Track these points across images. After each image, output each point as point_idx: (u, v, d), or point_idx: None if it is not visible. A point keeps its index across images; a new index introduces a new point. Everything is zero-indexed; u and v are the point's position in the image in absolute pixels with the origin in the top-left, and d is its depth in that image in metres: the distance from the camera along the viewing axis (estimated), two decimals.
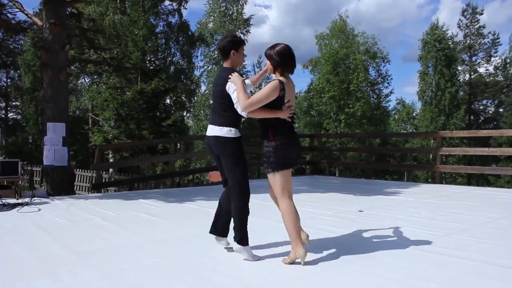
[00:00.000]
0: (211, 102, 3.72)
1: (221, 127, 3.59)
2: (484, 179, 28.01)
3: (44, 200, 7.18)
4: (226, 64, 3.74)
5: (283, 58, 3.47)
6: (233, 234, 3.60)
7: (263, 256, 3.62)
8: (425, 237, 4.32)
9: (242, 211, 3.58)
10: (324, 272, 3.20)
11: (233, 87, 3.49)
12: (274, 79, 3.48)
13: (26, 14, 10.36)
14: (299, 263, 3.36)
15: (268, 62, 3.55)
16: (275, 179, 3.48)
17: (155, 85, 19.96)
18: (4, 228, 4.83)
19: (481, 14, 33.08)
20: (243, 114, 3.47)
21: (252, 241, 3.58)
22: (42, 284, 2.91)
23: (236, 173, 3.59)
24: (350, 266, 3.35)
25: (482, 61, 33.79)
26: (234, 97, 3.49)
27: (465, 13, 33.02)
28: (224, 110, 3.60)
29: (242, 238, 3.56)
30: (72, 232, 4.70)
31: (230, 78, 3.51)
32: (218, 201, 3.89)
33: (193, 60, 26.23)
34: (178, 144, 21.31)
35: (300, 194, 7.88)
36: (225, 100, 3.58)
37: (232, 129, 3.57)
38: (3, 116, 33.49)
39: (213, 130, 3.63)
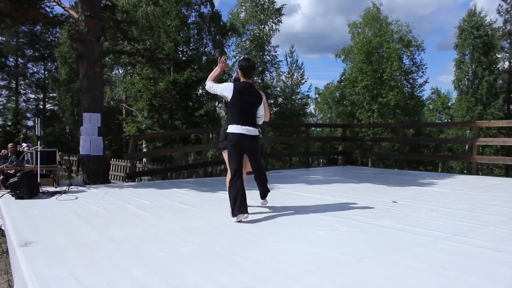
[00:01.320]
0: (242, 108, 4.77)
1: (256, 129, 4.85)
2: None
3: (80, 188, 7.36)
4: (248, 80, 4.88)
5: None
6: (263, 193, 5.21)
7: (297, 245, 3.63)
8: (462, 229, 4.23)
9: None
10: (358, 263, 3.18)
11: (263, 108, 4.93)
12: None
13: (63, 7, 10.59)
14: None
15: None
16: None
17: (188, 76, 20.14)
18: (44, 215, 4.98)
19: None
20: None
21: (282, 229, 3.58)
22: (80, 268, 3.00)
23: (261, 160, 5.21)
24: (384, 257, 3.31)
25: None
26: (262, 112, 4.92)
27: None
28: (255, 118, 4.88)
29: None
30: (108, 219, 4.82)
31: (264, 100, 4.94)
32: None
33: (225, 50, 26.28)
34: (211, 134, 21.47)
35: (333, 184, 7.85)
36: (256, 111, 4.89)
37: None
38: (41, 107, 34.44)
39: (253, 131, 4.77)
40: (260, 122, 4.93)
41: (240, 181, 4.64)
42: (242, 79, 4.87)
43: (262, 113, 4.91)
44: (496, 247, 3.55)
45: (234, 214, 4.52)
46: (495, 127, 25.51)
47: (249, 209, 4.61)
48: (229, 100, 4.77)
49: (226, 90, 4.78)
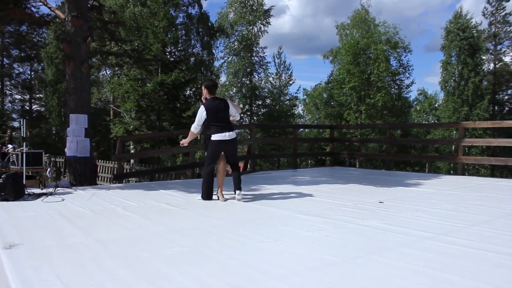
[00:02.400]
0: (217, 119, 6.02)
1: (234, 132, 6.03)
2: (509, 170, 27.42)
3: (67, 190, 7.30)
4: (213, 95, 6.06)
5: None
6: (237, 187, 6.04)
7: (284, 246, 3.64)
8: (447, 228, 4.27)
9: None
10: (344, 263, 3.19)
11: (233, 108, 6.13)
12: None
13: (49, 7, 10.49)
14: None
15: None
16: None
17: (175, 77, 20.08)
18: (29, 217, 4.93)
19: (508, 0, 32.06)
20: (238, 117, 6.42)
21: (269, 230, 3.59)
22: (66, 270, 2.98)
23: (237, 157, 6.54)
24: (370, 257, 3.34)
25: (508, 50, 32.71)
26: (233, 111, 6.12)
27: (491, 0, 32.11)
28: (230, 122, 6.05)
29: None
30: (95, 221, 4.78)
31: (229, 103, 6.14)
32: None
33: (213, 51, 26.24)
34: (198, 136, 21.50)
35: (320, 185, 7.88)
36: (228, 115, 6.05)
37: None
38: (27, 108, 34.08)
39: (230, 135, 5.94)
40: (237, 118, 6.30)
41: (211, 170, 6.19)
42: (208, 96, 6.05)
43: (234, 112, 6.13)
44: (481, 246, 3.59)
45: (203, 197, 6.08)
46: (481, 128, 25.85)
47: (234, 210, 4.62)
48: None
49: (201, 115, 5.98)
